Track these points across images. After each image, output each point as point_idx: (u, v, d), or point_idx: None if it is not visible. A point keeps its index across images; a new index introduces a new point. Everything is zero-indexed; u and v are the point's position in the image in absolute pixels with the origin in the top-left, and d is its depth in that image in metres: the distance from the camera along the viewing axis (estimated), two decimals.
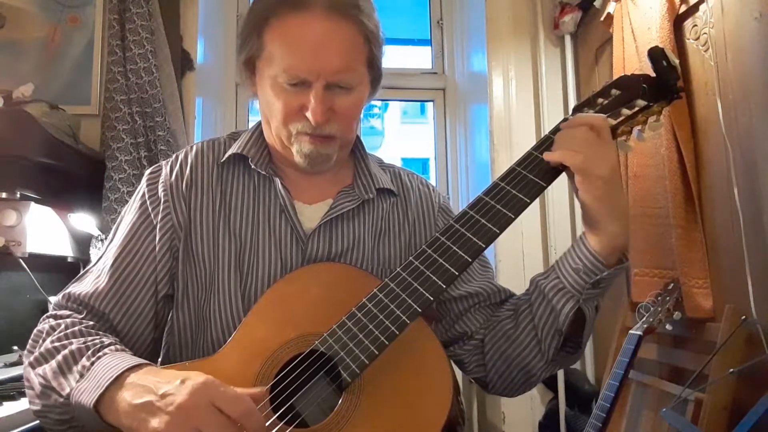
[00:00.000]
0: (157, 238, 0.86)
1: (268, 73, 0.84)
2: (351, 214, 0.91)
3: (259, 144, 0.93)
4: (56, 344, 0.76)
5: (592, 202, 0.77)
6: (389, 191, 0.96)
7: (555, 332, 0.83)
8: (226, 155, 0.91)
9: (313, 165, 0.88)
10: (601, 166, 0.76)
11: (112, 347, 0.75)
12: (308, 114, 0.82)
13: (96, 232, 1.70)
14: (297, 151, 0.86)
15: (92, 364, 0.71)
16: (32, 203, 1.49)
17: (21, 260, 1.46)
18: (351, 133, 0.90)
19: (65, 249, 1.69)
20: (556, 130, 0.82)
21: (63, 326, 0.78)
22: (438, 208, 1.00)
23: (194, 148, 0.94)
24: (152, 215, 0.87)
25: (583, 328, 0.84)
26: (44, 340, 0.78)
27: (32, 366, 0.77)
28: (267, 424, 0.68)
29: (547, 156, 0.79)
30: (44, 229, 1.57)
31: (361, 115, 0.95)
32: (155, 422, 0.63)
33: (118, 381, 0.68)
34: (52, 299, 0.87)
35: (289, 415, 0.71)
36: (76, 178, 1.77)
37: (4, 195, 1.47)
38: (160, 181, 0.90)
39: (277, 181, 0.90)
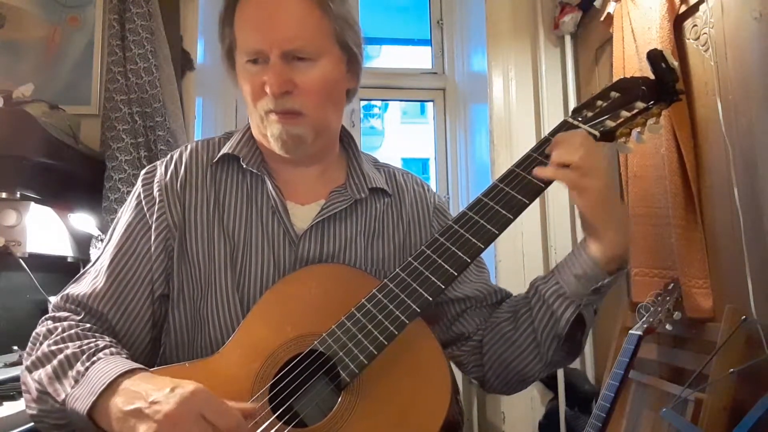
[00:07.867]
0: (153, 238, 0.86)
1: (239, 60, 0.87)
2: (343, 215, 0.90)
3: (251, 143, 0.93)
4: (52, 348, 0.76)
5: (586, 209, 0.78)
6: (383, 191, 0.95)
7: (554, 336, 0.84)
8: (219, 155, 0.91)
9: (289, 149, 0.87)
10: (593, 177, 0.76)
11: (107, 351, 0.75)
12: (267, 88, 0.83)
13: (96, 232, 1.70)
14: (271, 135, 0.86)
15: (86, 369, 0.71)
16: (32, 203, 1.49)
17: (21, 260, 1.45)
18: (322, 112, 0.87)
19: (65, 249, 1.69)
20: (555, 131, 0.82)
21: (60, 329, 0.78)
22: (433, 209, 0.99)
23: (189, 147, 0.94)
24: (148, 215, 0.87)
25: (582, 330, 0.85)
26: (41, 344, 0.77)
27: (29, 370, 0.76)
28: (266, 424, 0.68)
29: (538, 172, 0.79)
30: (44, 229, 1.56)
31: (342, 101, 0.92)
32: (143, 429, 0.62)
33: (111, 387, 0.68)
34: (52, 299, 0.87)
35: (288, 415, 0.71)
36: (76, 178, 1.77)
37: (4, 195, 1.47)
38: (155, 181, 0.90)
39: (269, 181, 0.89)
